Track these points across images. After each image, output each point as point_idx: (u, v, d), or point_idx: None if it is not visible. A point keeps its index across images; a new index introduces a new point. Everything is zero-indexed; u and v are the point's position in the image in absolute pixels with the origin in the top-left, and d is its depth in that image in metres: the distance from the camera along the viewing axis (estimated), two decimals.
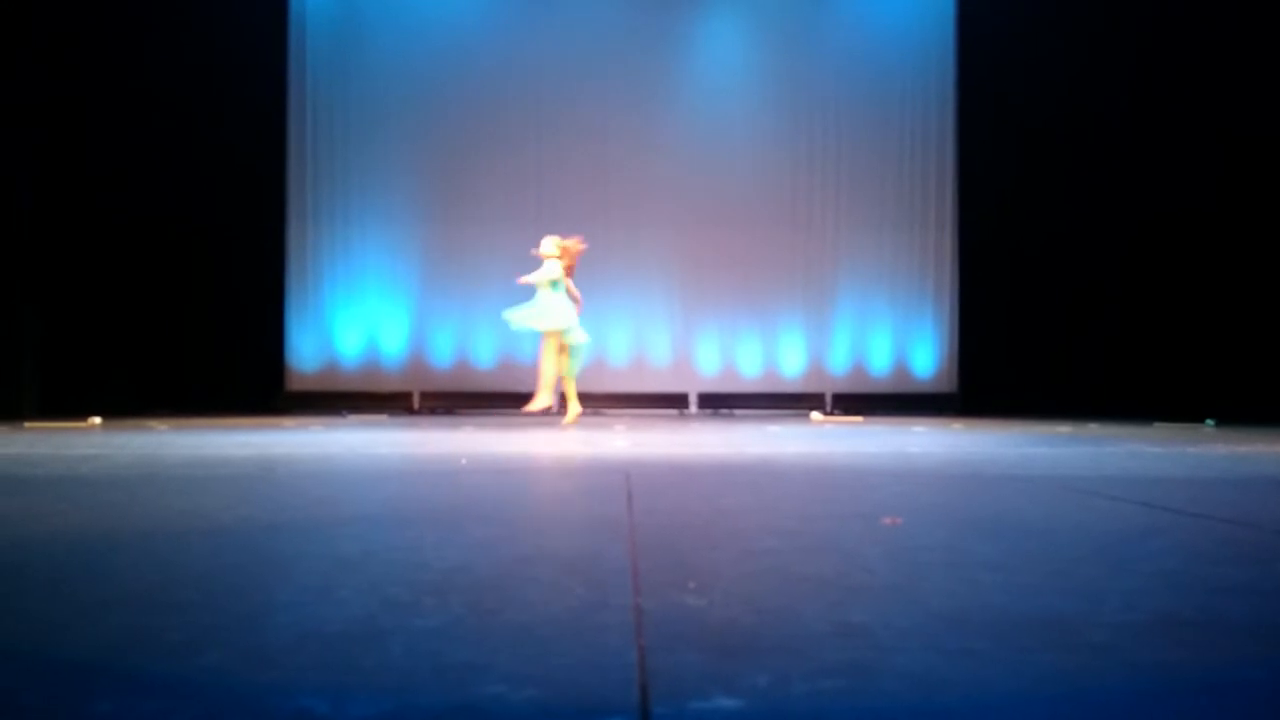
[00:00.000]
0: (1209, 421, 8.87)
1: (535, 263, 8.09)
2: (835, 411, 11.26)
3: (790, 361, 11.80)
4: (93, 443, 5.52)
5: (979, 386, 11.43)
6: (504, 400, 11.45)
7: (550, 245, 8.05)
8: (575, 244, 8.11)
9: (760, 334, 11.82)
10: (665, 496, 3.07)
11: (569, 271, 8.08)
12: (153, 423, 8.07)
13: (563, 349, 8.01)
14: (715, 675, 1.14)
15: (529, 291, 8.02)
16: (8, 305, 9.45)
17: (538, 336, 8.08)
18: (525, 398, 11.41)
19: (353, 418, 9.78)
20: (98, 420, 8.17)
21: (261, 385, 11.07)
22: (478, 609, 1.47)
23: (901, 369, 11.81)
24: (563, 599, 1.52)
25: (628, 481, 3.32)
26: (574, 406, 8.15)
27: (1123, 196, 11.01)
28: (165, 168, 10.77)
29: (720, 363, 11.81)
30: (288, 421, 8.67)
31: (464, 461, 4.27)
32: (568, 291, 8.04)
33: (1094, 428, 7.85)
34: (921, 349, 11.84)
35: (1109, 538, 2.22)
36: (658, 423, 9.08)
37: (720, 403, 11.65)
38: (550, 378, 7.98)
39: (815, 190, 11.89)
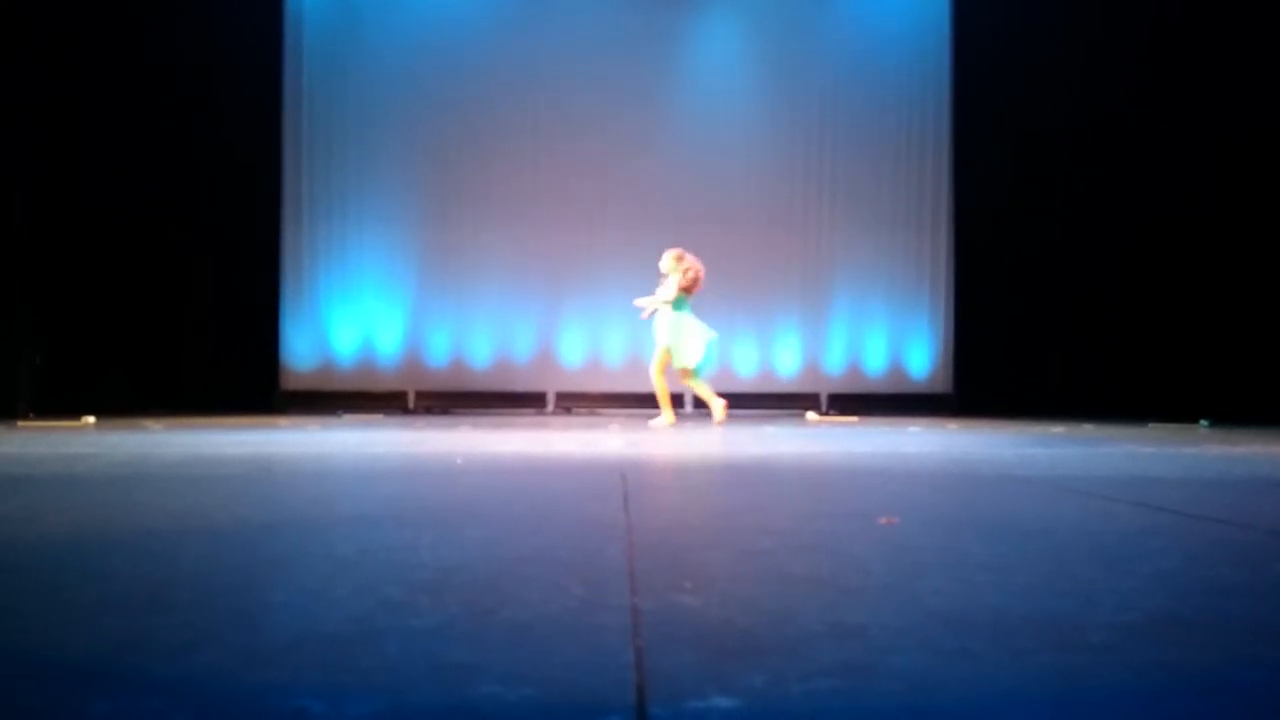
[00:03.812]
0: (1204, 422, 8.89)
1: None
2: (831, 412, 11.27)
3: (786, 362, 11.81)
4: (88, 442, 5.51)
5: (974, 387, 11.45)
6: (500, 400, 11.46)
7: (667, 260, 7.93)
8: (693, 260, 7.90)
9: (756, 334, 11.83)
10: (661, 497, 3.07)
11: (690, 288, 7.86)
12: (148, 422, 8.06)
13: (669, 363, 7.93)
14: (712, 675, 1.14)
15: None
16: (4, 304, 9.42)
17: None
18: (520, 397, 11.50)
19: (348, 417, 9.77)
20: (91, 419, 8.16)
21: (257, 384, 11.06)
22: (474, 609, 1.46)
23: (897, 369, 11.82)
24: (559, 599, 1.52)
25: (624, 482, 3.32)
26: (716, 402, 8.02)
27: (1118, 198, 11.03)
28: (160, 167, 10.76)
29: (716, 363, 11.80)
30: (283, 421, 8.66)
31: (460, 461, 4.26)
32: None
33: (1089, 428, 7.86)
34: (917, 349, 11.85)
35: (1105, 538, 2.22)
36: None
37: None
38: (664, 393, 7.96)
39: (811, 190, 11.90)
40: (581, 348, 11.64)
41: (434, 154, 11.62)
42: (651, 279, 11.98)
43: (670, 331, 7.81)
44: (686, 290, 7.83)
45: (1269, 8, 9.80)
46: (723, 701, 1.05)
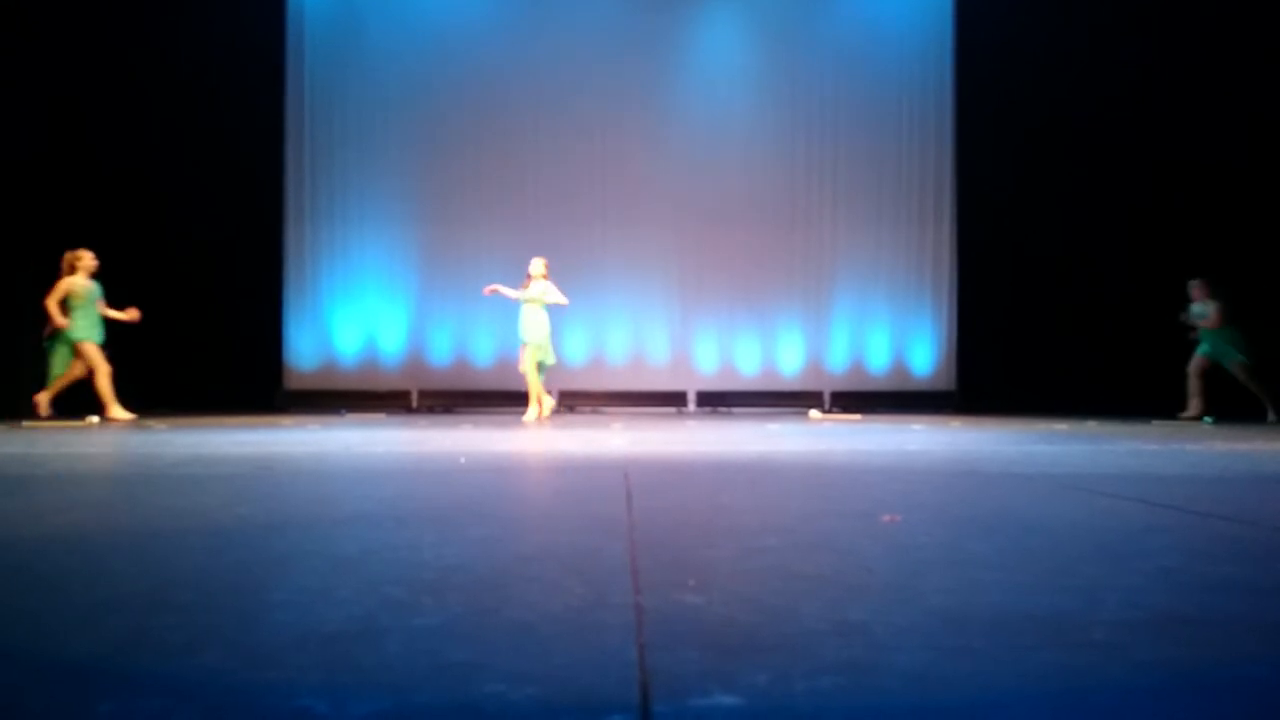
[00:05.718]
0: (1207, 419, 8.88)
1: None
2: (834, 409, 11.27)
3: (789, 359, 11.81)
4: (91, 442, 5.51)
5: (977, 384, 11.44)
6: (502, 399, 11.46)
7: (540, 266, 8.95)
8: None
9: (759, 332, 11.83)
10: (664, 495, 3.07)
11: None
12: (151, 422, 8.06)
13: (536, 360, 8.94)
14: (715, 673, 1.13)
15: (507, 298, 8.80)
16: (8, 304, 9.42)
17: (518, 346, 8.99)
18: (523, 396, 11.48)
19: (351, 416, 9.77)
20: (94, 419, 8.17)
21: (260, 384, 11.07)
22: (477, 608, 1.47)
23: (900, 367, 11.81)
24: (562, 597, 1.52)
25: (626, 480, 3.32)
26: (535, 407, 8.98)
27: (1121, 195, 11.02)
28: (164, 168, 10.77)
29: (719, 361, 11.81)
30: (286, 420, 8.67)
31: (462, 460, 4.27)
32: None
33: (1092, 425, 7.86)
34: (920, 347, 11.85)
35: (1108, 535, 2.22)
36: (656, 421, 9.08)
37: (719, 401, 11.65)
38: (537, 387, 8.93)
39: (814, 188, 11.90)
40: (584, 346, 11.64)
41: (436, 154, 11.63)
42: (653, 277, 12.00)
43: (540, 331, 8.81)
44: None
45: (1268, 8, 9.77)
46: (726, 699, 1.05)
